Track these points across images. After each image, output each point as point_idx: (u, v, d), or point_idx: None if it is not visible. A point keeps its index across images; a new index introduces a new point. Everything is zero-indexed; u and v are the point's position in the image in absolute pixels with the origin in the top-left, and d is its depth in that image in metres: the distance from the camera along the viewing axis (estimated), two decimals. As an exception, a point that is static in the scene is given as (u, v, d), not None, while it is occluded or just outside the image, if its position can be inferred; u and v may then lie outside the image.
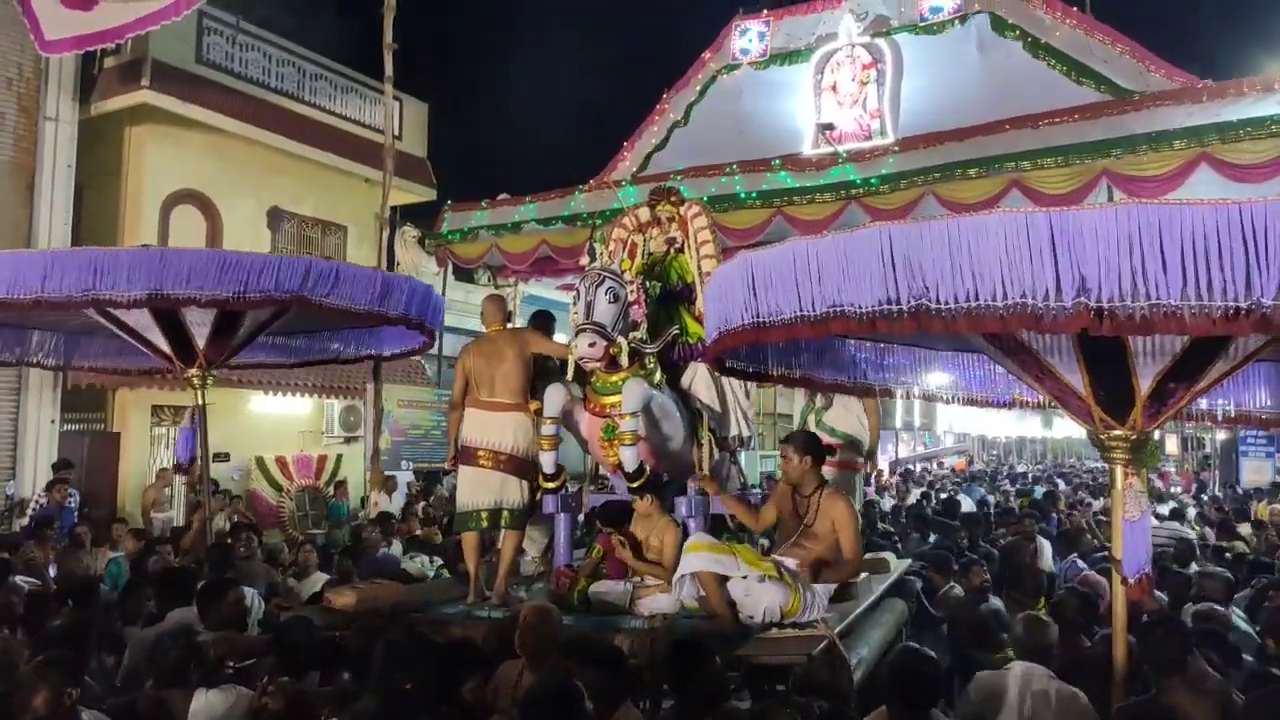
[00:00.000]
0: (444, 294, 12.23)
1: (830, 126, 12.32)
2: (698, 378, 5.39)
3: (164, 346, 5.93)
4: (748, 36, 13.41)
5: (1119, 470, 3.29)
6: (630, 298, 4.92)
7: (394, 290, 5.97)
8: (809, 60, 12.97)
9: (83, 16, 10.18)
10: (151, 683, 3.65)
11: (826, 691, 3.70)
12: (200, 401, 6.18)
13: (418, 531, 9.16)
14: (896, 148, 10.43)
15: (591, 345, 4.65)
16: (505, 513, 5.15)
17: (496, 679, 3.73)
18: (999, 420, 33.84)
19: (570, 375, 5.05)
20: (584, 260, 5.12)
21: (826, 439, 5.78)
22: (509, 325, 5.60)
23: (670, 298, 5.50)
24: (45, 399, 11.57)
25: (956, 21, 12.00)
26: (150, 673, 3.73)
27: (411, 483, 14.40)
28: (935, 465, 25.34)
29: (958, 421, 30.60)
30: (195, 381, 6.06)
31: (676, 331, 5.28)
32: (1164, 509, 11.30)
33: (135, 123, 12.71)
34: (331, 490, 13.47)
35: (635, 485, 4.78)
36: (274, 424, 13.88)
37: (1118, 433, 3.26)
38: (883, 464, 23.44)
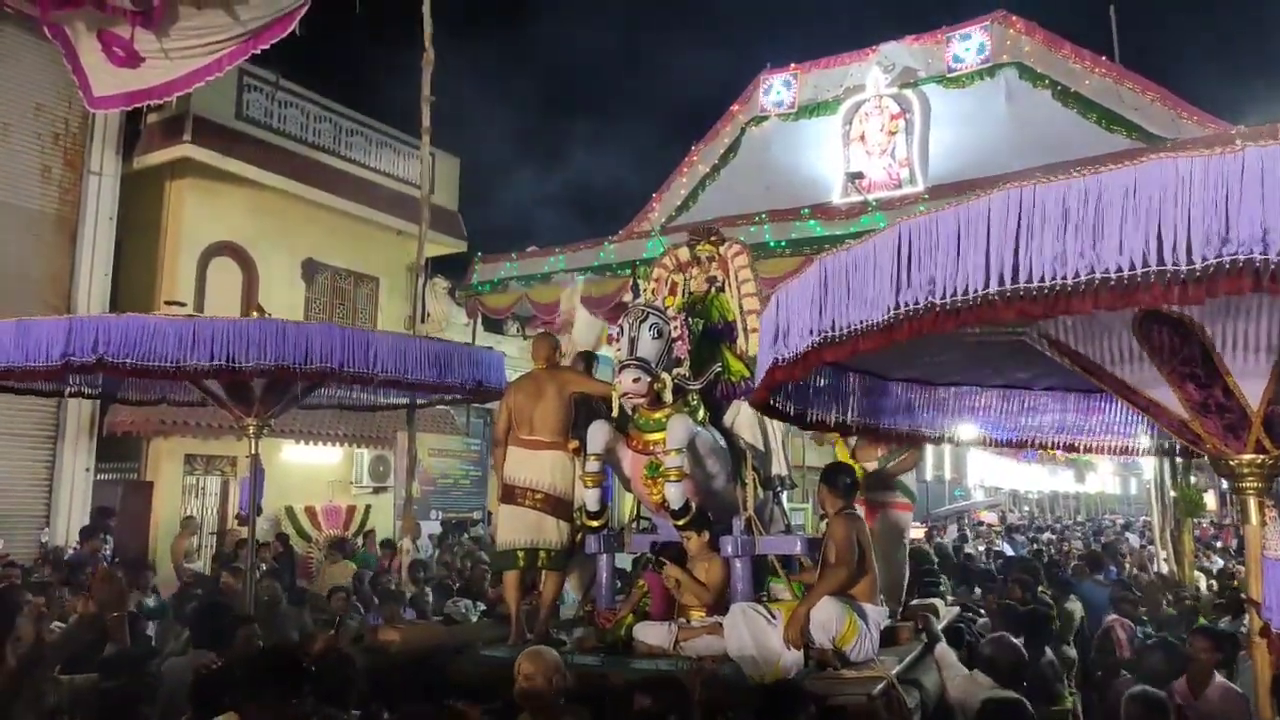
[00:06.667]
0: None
1: (860, 175, 12.39)
2: (741, 416, 5.32)
3: (223, 395, 6.01)
4: (776, 89, 13.62)
5: (1253, 501, 2.85)
6: (674, 334, 4.90)
7: (485, 364, 6.53)
8: (837, 111, 13.12)
9: (130, 74, 10.47)
10: (190, 715, 3.59)
11: (886, 733, 3.58)
12: (254, 451, 6.23)
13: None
14: (926, 196, 10.43)
15: (636, 381, 4.61)
16: (542, 553, 5.09)
17: None
18: (1031, 474, 33.29)
19: (615, 412, 5.00)
20: (627, 297, 5.11)
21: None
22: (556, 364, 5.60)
23: (712, 336, 5.47)
24: (81, 447, 11.66)
25: (985, 72, 12.12)
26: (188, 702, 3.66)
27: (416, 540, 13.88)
28: (968, 519, 24.86)
29: (990, 475, 30.11)
30: (251, 431, 6.11)
31: (719, 369, 5.24)
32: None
33: (176, 177, 13.02)
34: (360, 541, 13.38)
35: (681, 523, 4.70)
36: (304, 473, 13.90)
37: (1251, 457, 2.80)
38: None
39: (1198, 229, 1.99)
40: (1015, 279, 2.18)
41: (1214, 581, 10.60)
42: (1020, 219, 2.19)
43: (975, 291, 2.24)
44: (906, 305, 2.40)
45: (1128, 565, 10.89)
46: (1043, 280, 2.14)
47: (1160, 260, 2.02)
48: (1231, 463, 2.84)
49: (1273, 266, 1.93)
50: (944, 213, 2.38)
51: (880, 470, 5.67)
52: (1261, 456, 2.80)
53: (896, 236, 2.49)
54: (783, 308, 3.02)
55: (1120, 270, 2.06)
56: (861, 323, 2.55)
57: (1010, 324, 2.45)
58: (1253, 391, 2.70)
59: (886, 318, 2.46)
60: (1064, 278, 2.12)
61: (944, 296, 2.30)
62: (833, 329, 2.66)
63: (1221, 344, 2.64)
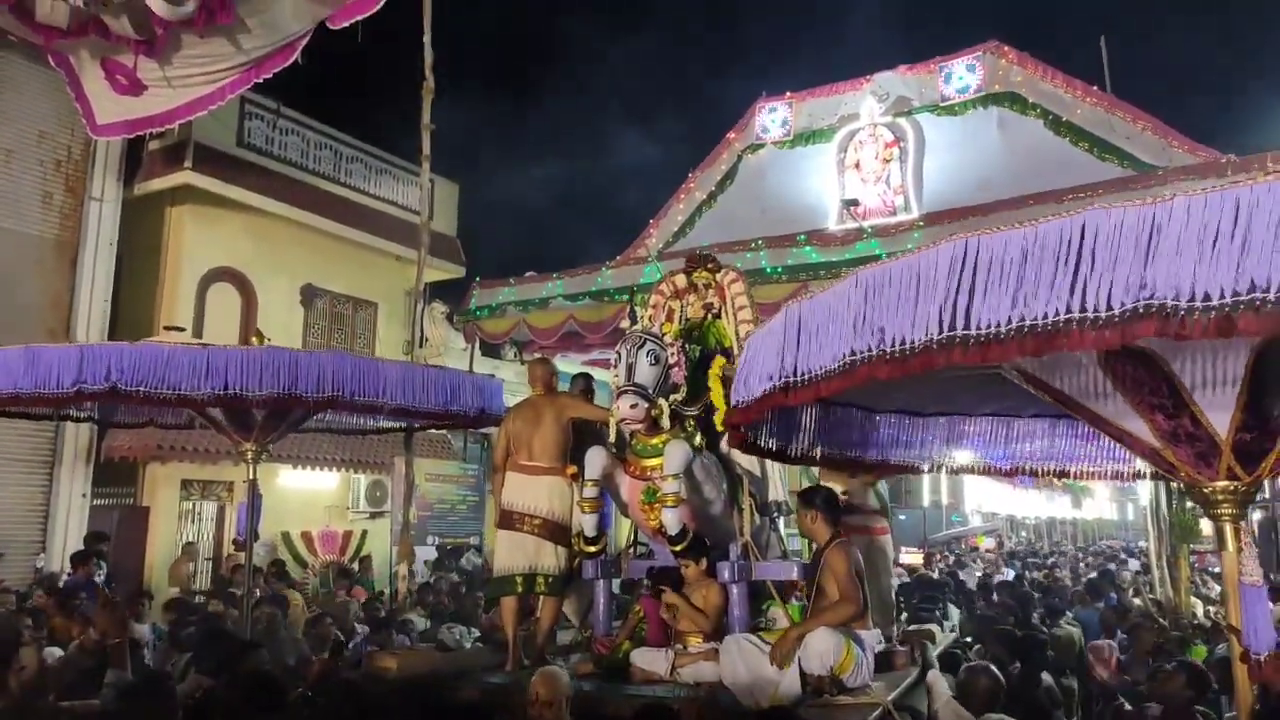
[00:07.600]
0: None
1: (855, 202, 12.52)
2: (737, 442, 5.36)
3: (223, 421, 6.02)
4: (771, 117, 13.78)
5: (1229, 528, 2.84)
6: (671, 360, 4.94)
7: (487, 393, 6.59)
8: (832, 139, 13.28)
9: (133, 101, 10.56)
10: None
11: (882, 760, 3.59)
12: (252, 476, 6.22)
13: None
14: (921, 223, 10.54)
15: (633, 407, 4.64)
16: (540, 578, 5.10)
17: None
18: (1029, 500, 33.26)
19: (612, 438, 5.03)
20: (624, 323, 5.15)
21: None
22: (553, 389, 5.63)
23: (708, 362, 5.51)
24: (78, 473, 11.65)
25: (977, 102, 12.28)
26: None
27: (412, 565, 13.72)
28: (965, 544, 24.85)
29: (987, 500, 30.09)
30: (249, 456, 6.11)
31: (716, 395, 5.27)
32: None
33: (176, 203, 13.11)
34: (357, 566, 13.36)
35: (678, 549, 4.72)
36: (301, 499, 13.88)
37: (1224, 484, 2.82)
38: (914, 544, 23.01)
39: (1120, 278, 2.06)
40: (960, 326, 2.26)
41: (1211, 607, 10.60)
42: (965, 269, 2.28)
43: (929, 338, 2.31)
44: (862, 352, 2.50)
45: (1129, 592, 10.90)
46: (987, 327, 2.22)
47: (1083, 308, 2.09)
48: (1205, 490, 2.86)
49: (1183, 312, 1.99)
50: (896, 262, 2.48)
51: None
52: (1234, 483, 2.81)
53: (851, 286, 2.60)
54: (754, 352, 3.11)
55: (1055, 316, 2.13)
56: (822, 368, 2.67)
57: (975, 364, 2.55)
58: (1220, 421, 2.74)
59: (843, 364, 2.56)
60: (1000, 325, 2.20)
61: (896, 344, 2.40)
62: (794, 374, 2.77)
63: (1186, 377, 2.68)
